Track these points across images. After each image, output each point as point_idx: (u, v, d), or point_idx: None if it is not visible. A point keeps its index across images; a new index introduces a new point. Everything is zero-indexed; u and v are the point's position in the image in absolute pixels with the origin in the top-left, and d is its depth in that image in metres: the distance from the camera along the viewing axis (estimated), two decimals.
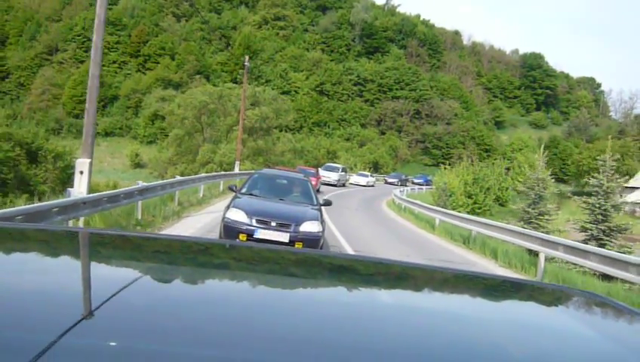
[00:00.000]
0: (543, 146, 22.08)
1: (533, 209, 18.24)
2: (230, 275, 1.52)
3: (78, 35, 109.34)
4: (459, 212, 22.20)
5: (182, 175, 30.15)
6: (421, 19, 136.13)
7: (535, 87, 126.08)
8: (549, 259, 12.02)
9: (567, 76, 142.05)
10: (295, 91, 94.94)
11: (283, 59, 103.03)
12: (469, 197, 38.89)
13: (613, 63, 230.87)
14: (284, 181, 10.91)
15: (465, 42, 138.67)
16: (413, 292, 1.58)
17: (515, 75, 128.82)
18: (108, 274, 1.31)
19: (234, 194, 10.06)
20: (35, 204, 7.33)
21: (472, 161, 46.18)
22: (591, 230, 15.19)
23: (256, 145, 45.74)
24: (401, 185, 54.63)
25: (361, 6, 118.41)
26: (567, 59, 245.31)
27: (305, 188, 10.51)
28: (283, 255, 1.95)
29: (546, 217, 17.86)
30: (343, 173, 43.89)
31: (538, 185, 18.51)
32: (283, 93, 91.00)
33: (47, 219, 6.75)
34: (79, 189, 9.00)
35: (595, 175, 16.57)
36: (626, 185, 72.43)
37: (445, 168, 38.46)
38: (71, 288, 1.14)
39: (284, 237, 8.34)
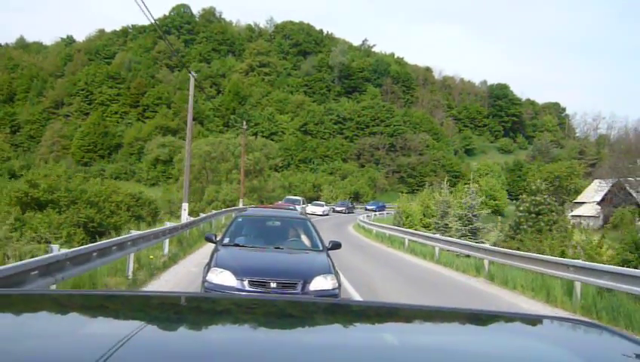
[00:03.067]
0: (446, 181, 32.06)
1: (441, 221, 28.27)
2: (225, 329, 1.51)
3: (82, 90, 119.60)
4: (416, 230, 31.78)
5: (194, 212, 39.89)
6: (395, 57, 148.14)
7: (502, 115, 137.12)
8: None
9: (532, 103, 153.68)
10: (282, 132, 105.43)
11: (269, 103, 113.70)
12: (432, 217, 48.52)
13: (577, 88, 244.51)
14: (277, 223, 9.02)
15: (437, 77, 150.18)
16: (420, 333, 1.59)
17: (483, 105, 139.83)
18: (101, 335, 1.30)
19: (214, 246, 8.15)
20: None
21: (433, 186, 55.87)
22: (462, 230, 24.91)
23: (252, 185, 55.53)
24: (348, 213, 58.17)
25: (338, 50, 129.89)
26: (533, 87, 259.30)
27: (305, 229, 8.67)
28: (279, 304, 1.97)
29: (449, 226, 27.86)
30: (303, 205, 47.96)
31: (444, 205, 28.59)
32: (271, 134, 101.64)
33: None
34: (185, 218, 18.91)
35: (464, 197, 26.44)
36: (575, 200, 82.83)
37: (403, 195, 48.19)
38: (66, 350, 1.14)
39: None
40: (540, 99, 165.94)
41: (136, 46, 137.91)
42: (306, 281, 6.74)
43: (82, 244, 13.03)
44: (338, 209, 60.71)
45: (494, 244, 18.54)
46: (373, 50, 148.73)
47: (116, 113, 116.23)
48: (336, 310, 1.91)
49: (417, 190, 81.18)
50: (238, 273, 6.74)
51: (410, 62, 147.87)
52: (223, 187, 53.75)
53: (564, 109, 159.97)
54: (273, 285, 6.62)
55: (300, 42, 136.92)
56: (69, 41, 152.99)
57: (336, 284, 6.97)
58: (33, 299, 1.79)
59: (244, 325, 1.57)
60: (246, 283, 6.63)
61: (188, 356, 1.13)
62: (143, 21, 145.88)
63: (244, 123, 44.95)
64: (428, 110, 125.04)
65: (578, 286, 10.04)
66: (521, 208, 20.51)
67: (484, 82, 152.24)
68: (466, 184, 71.91)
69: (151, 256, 11.66)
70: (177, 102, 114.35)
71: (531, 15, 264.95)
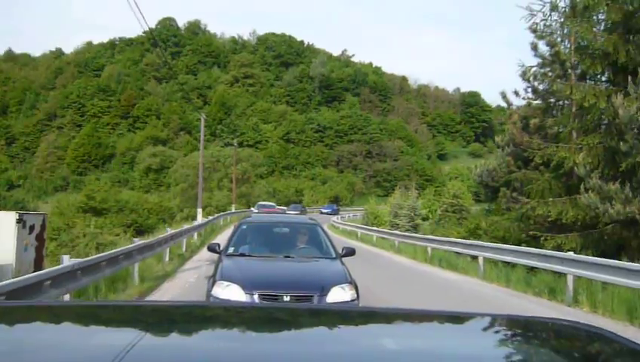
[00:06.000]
0: (397, 187, 39.56)
1: (395, 219, 35.86)
2: (220, 337, 1.50)
3: (74, 103, 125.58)
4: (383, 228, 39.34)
5: (189, 217, 47.23)
6: (373, 66, 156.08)
7: (473, 121, 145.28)
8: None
9: (502, 109, 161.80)
10: (266, 141, 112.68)
11: (254, 113, 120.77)
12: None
13: None
14: (285, 229, 8.34)
15: (412, 85, 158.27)
16: (419, 337, 1.59)
17: (456, 112, 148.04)
18: (101, 346, 1.29)
19: (217, 257, 7.52)
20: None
21: (401, 190, 63.48)
22: (406, 225, 32.29)
23: (240, 191, 62.80)
24: (301, 215, 63.50)
25: (318, 61, 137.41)
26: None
27: (315, 235, 7.98)
28: (277, 312, 1.96)
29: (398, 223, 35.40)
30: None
31: (396, 207, 36.17)
32: (255, 143, 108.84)
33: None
34: (200, 219, 26.15)
35: (407, 201, 34.01)
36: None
37: (371, 199, 55.79)
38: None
39: None
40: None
41: (125, 59, 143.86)
42: (323, 293, 6.18)
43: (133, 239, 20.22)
44: (289, 212, 64.48)
45: (423, 233, 26.10)
46: (352, 59, 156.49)
47: (108, 125, 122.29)
48: (332, 316, 1.87)
49: (392, 193, 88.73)
50: (247, 286, 6.15)
51: (388, 72, 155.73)
52: (214, 194, 60.96)
53: None
54: (286, 299, 6.05)
55: (282, 54, 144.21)
56: (58, 53, 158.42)
57: (355, 295, 6.42)
58: (33, 310, 1.83)
59: (238, 333, 1.60)
60: (256, 297, 6.04)
61: None
62: (130, 34, 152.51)
63: (235, 141, 52.10)
64: (403, 118, 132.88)
65: (429, 249, 17.59)
66: (442, 208, 28.15)
67: (457, 89, 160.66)
68: (437, 187, 79.60)
69: (192, 240, 19.04)
70: (166, 114, 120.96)
71: (503, 23, 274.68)
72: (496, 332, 1.70)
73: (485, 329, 1.72)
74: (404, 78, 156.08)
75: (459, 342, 1.54)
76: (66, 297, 6.30)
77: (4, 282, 4.91)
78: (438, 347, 1.45)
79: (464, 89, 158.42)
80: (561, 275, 10.43)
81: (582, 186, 11.55)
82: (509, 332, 1.69)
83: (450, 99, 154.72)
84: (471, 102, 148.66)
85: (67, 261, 6.38)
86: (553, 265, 10.45)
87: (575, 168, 11.78)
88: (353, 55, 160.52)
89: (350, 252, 7.64)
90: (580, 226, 12.45)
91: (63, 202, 27.99)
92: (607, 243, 12.01)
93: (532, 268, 11.99)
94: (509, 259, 12.16)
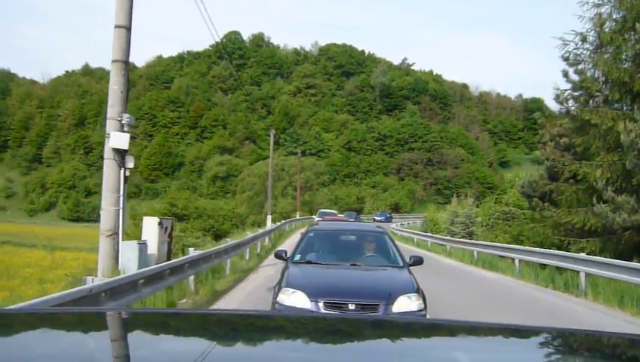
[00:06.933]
0: (455, 196, 41.27)
1: (451, 226, 37.69)
2: (288, 349, 1.48)
3: (146, 114, 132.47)
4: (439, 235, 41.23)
5: (255, 223, 50.34)
6: (434, 74, 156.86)
7: (536, 127, 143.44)
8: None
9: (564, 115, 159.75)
10: (328, 149, 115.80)
11: (316, 122, 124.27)
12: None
13: None
14: (352, 237, 8.42)
15: (473, 92, 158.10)
16: (493, 351, 1.55)
17: (518, 118, 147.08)
18: (171, 355, 1.32)
19: (284, 263, 7.60)
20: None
21: (460, 198, 64.85)
22: (461, 233, 34.02)
23: (304, 199, 65.78)
24: (355, 221, 64.13)
25: (379, 70, 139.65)
26: None
27: (382, 243, 7.99)
28: (341, 323, 1.94)
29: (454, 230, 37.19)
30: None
31: (453, 214, 37.99)
32: (318, 151, 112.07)
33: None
34: (269, 225, 28.95)
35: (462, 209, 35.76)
36: None
37: (430, 207, 57.45)
38: None
39: None
40: None
41: (192, 71, 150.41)
42: (389, 302, 6.16)
43: (214, 242, 23.07)
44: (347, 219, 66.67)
45: (476, 239, 27.98)
46: (412, 68, 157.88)
47: (177, 134, 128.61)
48: (397, 327, 1.85)
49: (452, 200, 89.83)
50: (312, 294, 6.23)
51: (448, 80, 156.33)
52: (279, 201, 64.14)
53: None
54: (352, 307, 6.08)
55: (343, 64, 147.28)
56: (131, 67, 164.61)
57: (422, 305, 6.34)
58: (102, 317, 1.89)
59: (302, 344, 1.59)
60: (321, 304, 6.10)
61: None
62: (197, 47, 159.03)
63: (299, 151, 55.06)
64: (464, 125, 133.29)
65: (475, 253, 19.67)
66: (494, 216, 29.92)
67: (520, 96, 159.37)
68: (498, 195, 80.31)
69: (264, 243, 21.84)
70: (232, 124, 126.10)
71: (567, 26, 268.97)
72: (564, 347, 1.70)
73: (553, 344, 1.71)
74: (464, 86, 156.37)
75: (530, 356, 1.54)
76: (191, 279, 8.94)
77: (164, 263, 7.58)
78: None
79: (526, 95, 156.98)
80: (579, 273, 12.46)
81: (594, 198, 13.51)
82: (577, 348, 1.69)
83: (512, 106, 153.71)
84: (533, 108, 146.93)
85: (193, 252, 9.05)
86: (569, 264, 12.53)
87: (594, 182, 13.74)
88: (413, 63, 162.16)
89: (418, 261, 7.54)
90: (603, 232, 14.30)
91: (150, 209, 31.72)
92: (624, 247, 13.85)
93: (560, 269, 14.00)
94: (536, 259, 14.29)
